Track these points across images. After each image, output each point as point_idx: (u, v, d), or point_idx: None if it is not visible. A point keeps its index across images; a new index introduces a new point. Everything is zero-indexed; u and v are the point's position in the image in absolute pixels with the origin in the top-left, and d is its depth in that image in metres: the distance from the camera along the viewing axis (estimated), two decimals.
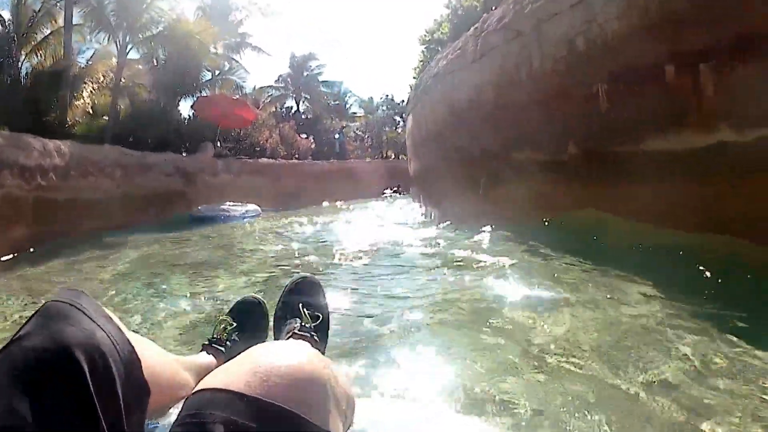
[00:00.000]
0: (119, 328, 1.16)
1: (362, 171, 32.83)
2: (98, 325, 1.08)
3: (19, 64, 19.30)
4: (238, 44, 34.30)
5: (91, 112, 22.59)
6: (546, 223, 7.35)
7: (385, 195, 26.24)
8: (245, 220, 18.76)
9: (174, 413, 1.24)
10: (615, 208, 6.22)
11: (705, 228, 5.09)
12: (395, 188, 26.99)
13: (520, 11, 7.91)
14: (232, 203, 19.81)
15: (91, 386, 0.96)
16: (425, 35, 16.58)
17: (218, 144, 26.65)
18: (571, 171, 6.95)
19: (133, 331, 1.23)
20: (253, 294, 2.32)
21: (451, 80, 10.65)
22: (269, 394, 0.95)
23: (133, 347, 1.14)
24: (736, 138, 4.83)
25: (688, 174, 5.30)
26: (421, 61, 16.57)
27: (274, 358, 1.03)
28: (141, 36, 22.75)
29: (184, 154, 22.88)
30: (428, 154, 13.01)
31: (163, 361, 1.38)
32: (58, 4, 20.63)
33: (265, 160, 28.21)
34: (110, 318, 1.16)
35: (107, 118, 21.81)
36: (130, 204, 15.86)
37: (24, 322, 1.05)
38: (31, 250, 10.29)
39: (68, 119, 20.05)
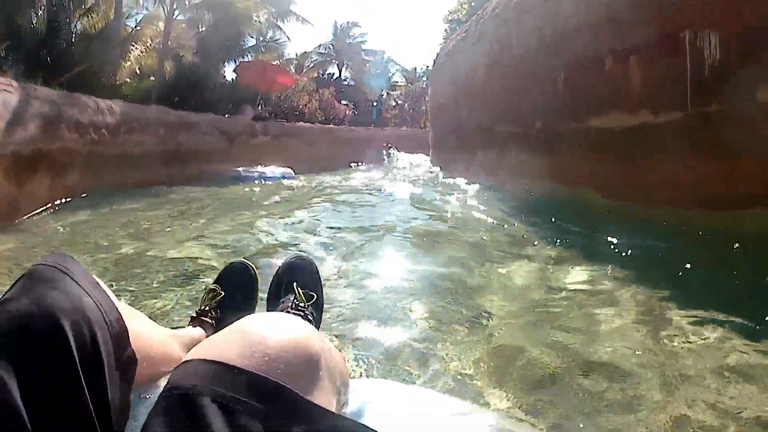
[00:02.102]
0: (107, 295, 1.12)
1: (394, 138, 33.66)
2: (85, 291, 1.05)
3: (72, 26, 20.19)
4: (283, 12, 34.94)
5: (138, 72, 23.55)
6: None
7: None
8: (279, 179, 19.69)
9: (162, 386, 1.14)
10: (561, 176, 7.38)
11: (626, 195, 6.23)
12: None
13: (508, 2, 9.03)
14: (266, 166, 20.84)
15: (75, 354, 0.95)
16: (448, 14, 17.50)
17: (260, 107, 27.78)
18: (537, 144, 8.08)
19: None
20: (241, 259, 2.29)
21: (457, 59, 11.81)
22: (260, 367, 0.93)
23: (120, 315, 1.10)
24: (655, 120, 5.91)
25: (615, 150, 6.42)
26: (444, 38, 17.44)
27: (266, 330, 1.01)
28: (187, 3, 24.02)
29: (227, 115, 24.05)
30: (439, 123, 14.24)
31: (151, 331, 1.36)
32: None
33: (302, 124, 29.12)
34: (98, 284, 1.12)
35: (153, 79, 23.01)
36: (172, 160, 17.18)
37: (9, 285, 1.03)
38: (83, 195, 11.61)
39: (117, 79, 21.18)
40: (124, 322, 1.10)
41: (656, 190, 5.83)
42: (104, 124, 13.40)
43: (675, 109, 5.57)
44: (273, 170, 20.58)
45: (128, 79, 22.63)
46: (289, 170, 21.34)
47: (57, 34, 18.47)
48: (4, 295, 1.00)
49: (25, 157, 10.18)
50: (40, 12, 18.34)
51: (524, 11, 8.41)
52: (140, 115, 15.91)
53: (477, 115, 10.45)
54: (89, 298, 1.04)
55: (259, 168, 20.11)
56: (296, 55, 44.09)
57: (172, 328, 1.82)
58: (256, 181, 18.24)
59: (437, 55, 15.93)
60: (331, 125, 32.72)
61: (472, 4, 14.75)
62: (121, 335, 1.08)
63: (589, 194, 6.79)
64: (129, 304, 1.42)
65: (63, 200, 11.01)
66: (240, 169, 19.40)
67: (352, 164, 26.27)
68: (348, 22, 49.60)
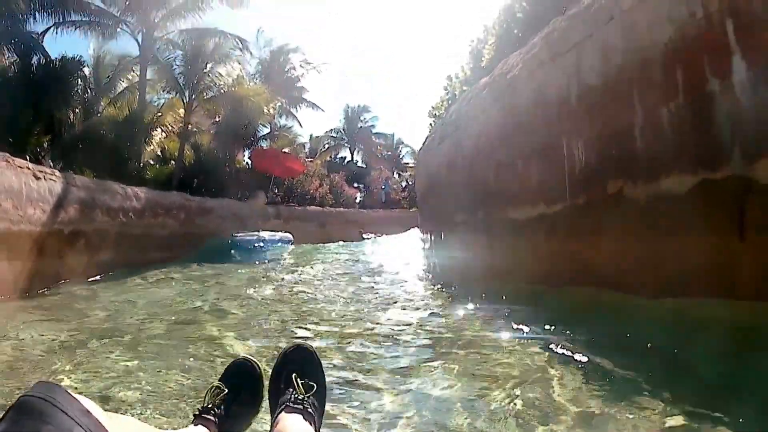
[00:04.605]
0: (98, 422, 1.16)
1: (396, 218, 35.27)
2: (75, 422, 1.09)
3: (99, 114, 22.39)
4: (294, 100, 37.27)
5: (160, 155, 25.90)
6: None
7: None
8: (279, 244, 21.22)
9: None
10: (492, 256, 9.22)
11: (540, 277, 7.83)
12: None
13: (459, 111, 11.10)
14: (267, 232, 22.06)
15: None
16: (432, 110, 19.30)
17: (275, 191, 29.73)
18: (480, 230, 9.93)
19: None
20: (246, 356, 2.28)
21: (428, 156, 13.96)
22: None
23: None
24: (547, 211, 7.64)
25: (525, 234, 8.18)
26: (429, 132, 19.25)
27: None
28: (204, 95, 25.80)
29: (246, 198, 26.19)
30: (421, 207, 16.41)
31: None
32: (134, 61, 24.19)
33: (312, 207, 31.09)
34: (87, 411, 1.16)
35: (174, 164, 25.03)
36: (192, 240, 19.11)
37: None
38: (111, 273, 13.47)
39: (141, 163, 23.16)
40: None
41: (552, 268, 7.32)
42: (132, 208, 15.45)
43: (560, 202, 7.13)
44: (272, 235, 21.66)
45: (151, 161, 24.69)
46: (287, 235, 22.43)
47: (92, 127, 20.56)
48: None
49: (66, 235, 12.16)
50: (77, 110, 20.49)
51: (470, 119, 10.30)
52: (163, 201, 17.98)
53: (442, 204, 12.40)
54: (80, 428, 1.09)
55: (259, 233, 21.19)
56: (310, 138, 46.31)
57: (174, 428, 1.97)
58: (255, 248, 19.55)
59: (419, 151, 17.85)
60: (342, 208, 34.44)
61: (450, 104, 16.74)
62: None
63: (512, 271, 8.56)
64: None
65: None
66: (239, 234, 20.45)
67: (364, 236, 28.23)
68: (358, 106, 51.88)
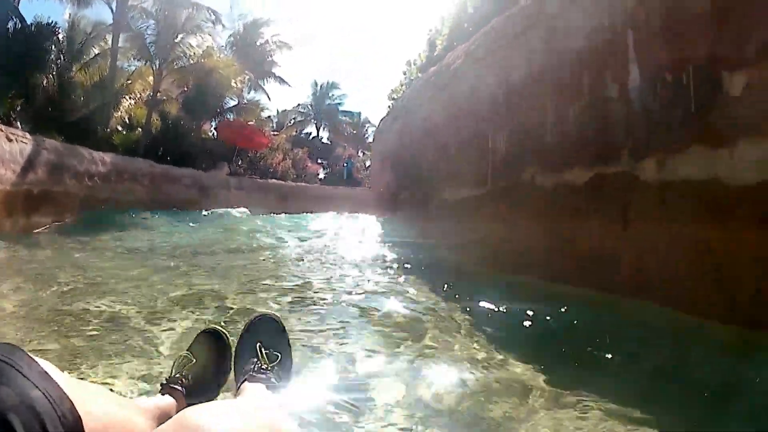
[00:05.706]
0: (57, 384, 1.11)
1: (357, 195, 35.65)
2: (33, 384, 1.05)
3: (71, 80, 22.32)
4: (264, 73, 37.29)
5: (127, 122, 26.06)
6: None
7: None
8: None
9: None
10: (428, 232, 10.11)
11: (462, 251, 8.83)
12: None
13: (410, 96, 12.00)
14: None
15: None
16: (391, 92, 19.94)
17: (238, 163, 30.22)
18: (420, 206, 10.77)
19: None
20: (215, 326, 2.27)
21: (382, 137, 14.91)
22: None
23: (72, 404, 1.10)
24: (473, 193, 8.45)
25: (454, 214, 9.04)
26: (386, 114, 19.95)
27: (206, 426, 1.02)
28: (174, 65, 26.41)
29: (203, 166, 26.27)
30: (373, 185, 17.30)
31: (111, 410, 1.31)
32: (107, 29, 24.36)
33: (274, 181, 31.27)
34: (46, 374, 1.12)
35: (141, 131, 25.30)
36: (155, 206, 19.38)
37: None
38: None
39: (108, 128, 23.52)
40: (76, 410, 1.10)
41: (474, 246, 8.04)
42: (98, 172, 16.00)
43: (485, 185, 7.87)
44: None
45: (119, 128, 24.93)
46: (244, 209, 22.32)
47: (64, 92, 21.00)
48: None
49: (35, 195, 12.76)
50: (51, 75, 20.97)
51: (417, 104, 11.16)
52: (129, 166, 18.51)
53: (390, 182, 13.27)
54: (38, 391, 1.05)
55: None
56: (277, 112, 46.44)
57: (139, 397, 1.97)
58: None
59: (375, 131, 18.69)
60: (303, 183, 34.67)
61: (407, 87, 17.42)
62: (74, 426, 1.09)
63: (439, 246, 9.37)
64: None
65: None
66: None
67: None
68: (328, 82, 51.74)
